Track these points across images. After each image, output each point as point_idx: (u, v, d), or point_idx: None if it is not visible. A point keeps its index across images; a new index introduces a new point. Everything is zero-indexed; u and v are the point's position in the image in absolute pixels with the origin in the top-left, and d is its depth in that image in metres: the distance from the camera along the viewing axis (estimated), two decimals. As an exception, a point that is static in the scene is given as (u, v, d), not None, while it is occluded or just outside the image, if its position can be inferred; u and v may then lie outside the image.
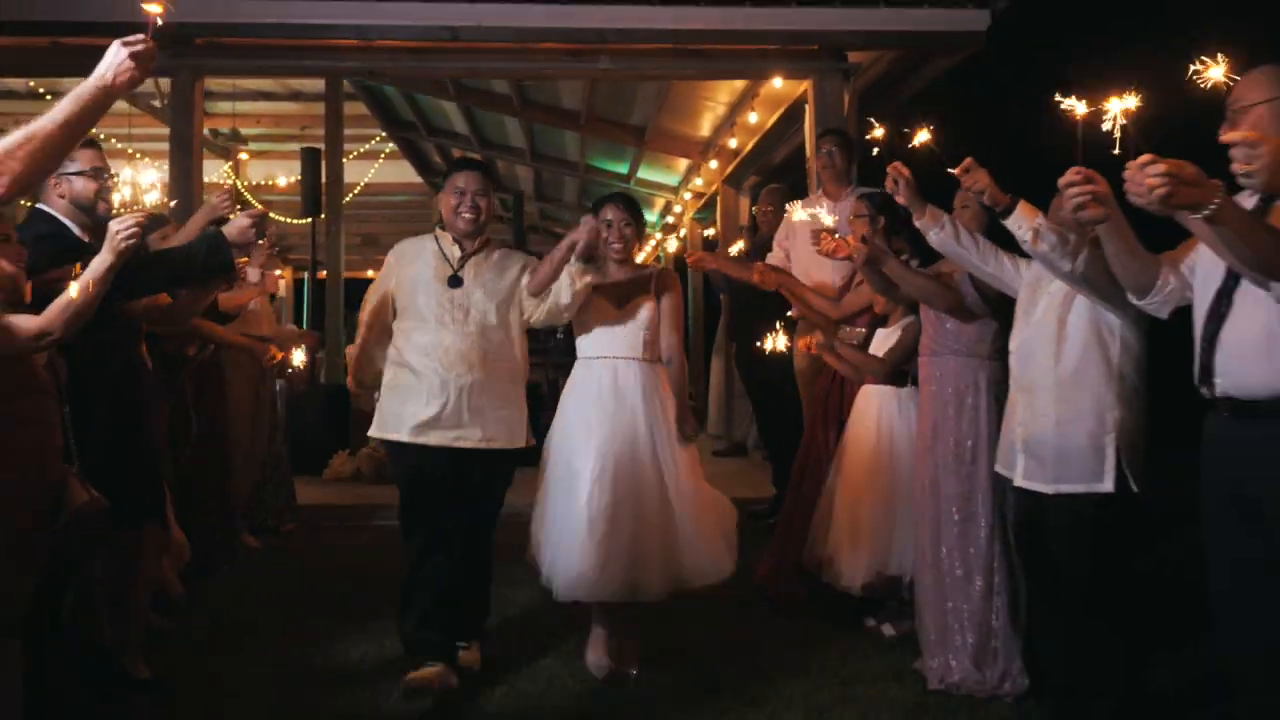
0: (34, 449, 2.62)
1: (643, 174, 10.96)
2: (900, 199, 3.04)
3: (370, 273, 12.20)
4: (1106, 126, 2.10)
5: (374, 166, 11.46)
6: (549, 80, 7.80)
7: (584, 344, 3.60)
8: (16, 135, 2.28)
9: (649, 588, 3.35)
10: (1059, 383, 2.84)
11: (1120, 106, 2.10)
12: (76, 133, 2.35)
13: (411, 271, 3.52)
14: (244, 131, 10.14)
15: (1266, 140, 2.05)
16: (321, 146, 7.88)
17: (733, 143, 8.42)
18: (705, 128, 8.84)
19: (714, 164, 9.31)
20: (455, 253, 3.52)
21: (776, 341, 4.46)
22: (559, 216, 14.49)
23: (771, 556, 4.24)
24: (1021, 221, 2.71)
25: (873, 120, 3.08)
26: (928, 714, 3.15)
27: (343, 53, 6.15)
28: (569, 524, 3.36)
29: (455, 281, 3.46)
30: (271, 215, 10.94)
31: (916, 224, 3.05)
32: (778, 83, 6.26)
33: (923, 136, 2.85)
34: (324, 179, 7.71)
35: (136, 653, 3.39)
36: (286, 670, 3.60)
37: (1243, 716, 2.37)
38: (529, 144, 10.30)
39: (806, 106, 6.18)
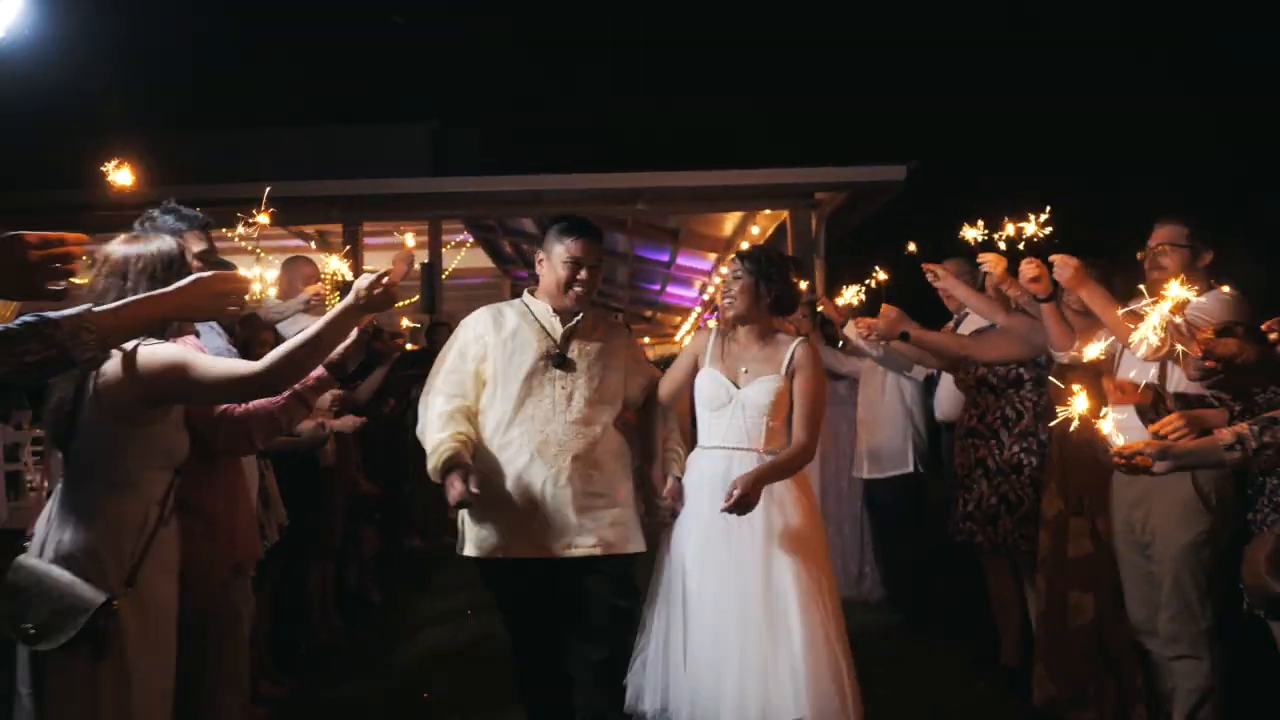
0: (342, 457, 5.10)
1: (681, 261, 13.37)
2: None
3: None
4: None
5: (459, 255, 13.85)
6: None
7: (700, 428, 3.07)
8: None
9: None
10: (887, 416, 5.16)
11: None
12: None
13: (509, 344, 2.98)
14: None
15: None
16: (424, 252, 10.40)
17: (744, 245, 10.86)
18: (726, 230, 11.31)
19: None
20: (556, 326, 3.01)
21: None
22: (612, 293, 17.05)
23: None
24: (851, 331, 5.06)
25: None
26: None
27: (455, 205, 8.75)
28: (662, 645, 2.96)
29: (563, 363, 2.95)
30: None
31: None
32: (768, 211, 8.75)
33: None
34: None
35: (370, 584, 5.83)
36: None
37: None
38: (587, 241, 12.67)
39: (787, 229, 8.66)
